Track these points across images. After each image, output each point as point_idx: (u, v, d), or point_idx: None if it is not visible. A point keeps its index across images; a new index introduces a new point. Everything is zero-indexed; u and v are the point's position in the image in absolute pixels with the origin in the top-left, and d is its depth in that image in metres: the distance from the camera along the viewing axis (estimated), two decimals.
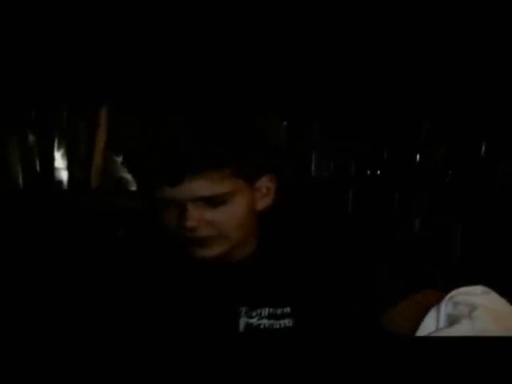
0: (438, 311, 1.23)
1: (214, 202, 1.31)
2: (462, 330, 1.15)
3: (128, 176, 2.47)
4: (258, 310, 1.34)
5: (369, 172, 2.53)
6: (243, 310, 1.35)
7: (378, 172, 2.53)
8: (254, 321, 1.34)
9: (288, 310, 1.35)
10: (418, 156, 2.53)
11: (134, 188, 2.47)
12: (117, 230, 1.99)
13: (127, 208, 2.35)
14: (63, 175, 2.45)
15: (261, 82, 2.32)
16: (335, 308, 1.39)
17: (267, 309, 1.34)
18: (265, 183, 1.39)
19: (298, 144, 2.43)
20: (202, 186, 1.29)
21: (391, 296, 1.38)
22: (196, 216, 1.30)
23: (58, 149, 2.44)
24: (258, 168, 1.37)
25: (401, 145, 2.52)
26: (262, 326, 1.34)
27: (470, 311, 1.20)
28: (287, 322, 1.35)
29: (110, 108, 2.47)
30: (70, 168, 2.44)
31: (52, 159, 2.42)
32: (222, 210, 1.31)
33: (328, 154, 2.52)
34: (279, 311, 1.35)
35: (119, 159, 2.47)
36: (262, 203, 1.40)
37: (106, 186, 2.48)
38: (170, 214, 1.32)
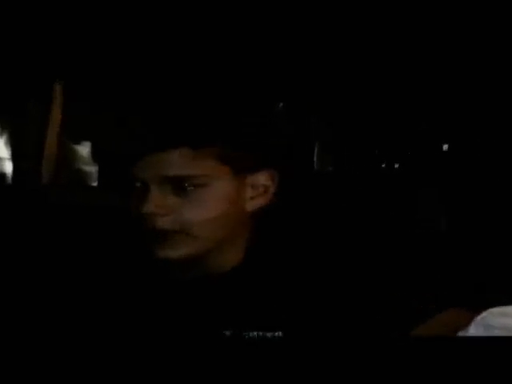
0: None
1: (182, 186, 1.25)
2: None
3: (88, 168, 2.50)
4: (245, 334, 1.32)
5: (384, 165, 2.56)
6: (226, 333, 1.32)
7: (396, 165, 2.56)
8: None
9: (280, 334, 1.32)
10: (444, 146, 2.56)
11: (94, 183, 2.49)
12: (76, 234, 2.07)
13: (86, 206, 2.31)
14: (7, 166, 2.46)
15: (264, 70, 2.40)
16: (340, 334, 1.34)
17: (255, 333, 1.32)
18: (262, 180, 1.34)
19: (298, 133, 2.50)
20: (169, 163, 1.24)
21: (411, 317, 1.33)
22: (156, 200, 1.25)
23: (1, 134, 2.46)
24: (252, 158, 1.32)
25: (424, 132, 2.57)
26: None
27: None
28: None
29: (65, 85, 2.48)
30: (15, 158, 2.45)
31: None
32: (193, 200, 1.26)
33: (333, 145, 2.56)
34: (269, 335, 1.32)
35: (78, 147, 2.50)
36: (255, 203, 1.34)
37: (61, 179, 2.48)
38: (134, 200, 1.27)
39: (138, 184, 1.26)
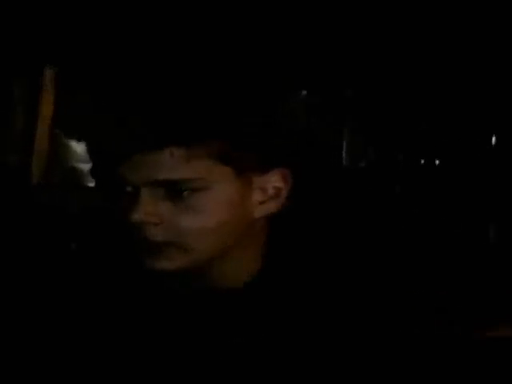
0: None
1: (176, 190, 1.19)
2: None
3: (82, 165, 2.39)
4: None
5: (423, 161, 2.48)
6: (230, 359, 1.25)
7: (437, 162, 2.49)
8: None
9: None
10: (493, 139, 2.49)
11: (90, 182, 2.33)
12: (68, 241, 2.09)
13: (82, 208, 2.23)
14: None
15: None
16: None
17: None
18: (272, 182, 1.26)
19: (324, 125, 2.52)
20: (159, 165, 1.18)
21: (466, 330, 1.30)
22: (147, 207, 1.19)
23: None
24: (257, 157, 1.25)
25: (470, 125, 2.51)
26: None
27: None
28: None
29: (58, 71, 2.41)
30: (1, 153, 2.37)
31: None
32: (189, 206, 1.20)
33: (367, 140, 2.53)
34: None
35: (71, 141, 2.40)
36: (265, 208, 1.27)
37: (53, 177, 2.41)
38: (124, 206, 1.21)
39: (129, 188, 1.19)
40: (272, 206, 1.27)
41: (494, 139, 2.52)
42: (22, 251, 2.22)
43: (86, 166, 2.38)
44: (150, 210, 1.19)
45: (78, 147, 2.40)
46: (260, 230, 1.29)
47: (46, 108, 2.37)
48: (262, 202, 1.27)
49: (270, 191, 1.26)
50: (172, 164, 1.18)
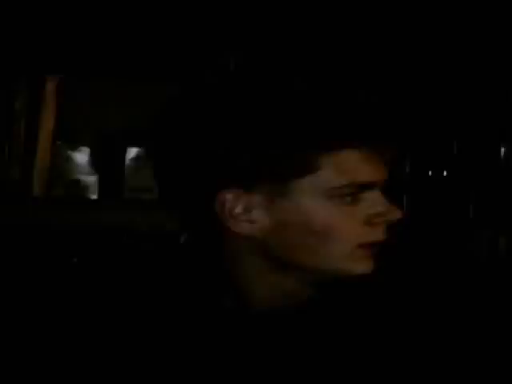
0: None
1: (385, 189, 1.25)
2: None
3: (85, 178, 2.34)
4: None
5: (431, 173, 2.46)
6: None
7: (445, 173, 2.47)
8: None
9: None
10: (502, 150, 2.47)
11: (94, 196, 2.32)
12: (70, 256, 2.18)
13: (85, 223, 2.28)
14: None
15: None
16: None
17: None
18: None
19: None
20: (388, 163, 1.24)
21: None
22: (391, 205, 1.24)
23: None
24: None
25: (477, 135, 2.49)
26: None
27: None
28: None
29: (60, 82, 2.34)
30: (1, 166, 2.33)
31: None
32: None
33: None
34: None
35: (74, 153, 2.35)
36: None
37: (55, 190, 2.35)
38: (351, 213, 1.21)
39: (349, 191, 1.20)
40: None
41: (503, 150, 2.48)
42: (24, 266, 2.20)
43: (88, 179, 2.34)
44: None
45: (81, 159, 2.35)
46: None
47: (48, 120, 2.32)
48: None
49: None
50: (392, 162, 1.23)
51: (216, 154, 1.16)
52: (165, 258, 1.36)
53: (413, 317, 1.27)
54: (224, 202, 1.17)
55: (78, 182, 2.34)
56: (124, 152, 2.33)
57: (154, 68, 2.37)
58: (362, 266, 1.21)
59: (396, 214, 1.21)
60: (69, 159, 2.34)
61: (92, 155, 2.35)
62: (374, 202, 1.19)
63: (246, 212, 1.18)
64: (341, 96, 1.22)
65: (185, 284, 1.31)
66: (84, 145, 2.35)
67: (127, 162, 2.32)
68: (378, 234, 1.20)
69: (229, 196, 1.17)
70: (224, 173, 1.17)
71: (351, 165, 1.17)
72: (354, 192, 1.18)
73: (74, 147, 2.34)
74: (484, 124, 2.49)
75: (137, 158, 2.32)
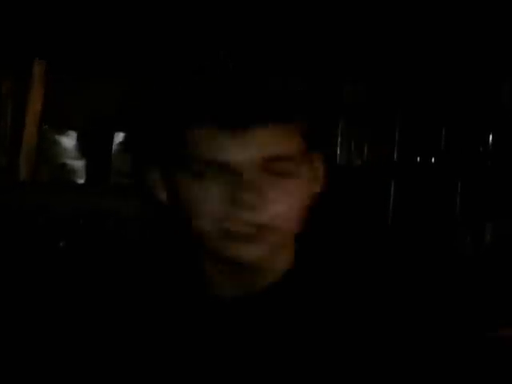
0: None
1: (272, 172, 1.20)
2: None
3: (72, 162, 2.34)
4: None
5: (419, 159, 2.45)
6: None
7: (433, 160, 2.46)
8: None
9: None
10: (490, 138, 2.47)
11: (81, 180, 2.32)
12: (57, 241, 2.15)
13: (72, 208, 2.26)
14: None
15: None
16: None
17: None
18: (316, 162, 1.29)
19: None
20: (265, 142, 1.20)
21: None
22: (253, 189, 1.18)
23: None
24: (318, 136, 1.28)
25: (466, 123, 2.48)
26: None
27: None
28: None
29: (47, 66, 2.34)
30: None
31: None
32: (281, 191, 1.21)
33: (362, 136, 2.47)
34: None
35: (61, 137, 2.35)
36: (313, 189, 1.28)
37: (41, 176, 2.34)
38: (210, 192, 1.20)
39: (211, 170, 1.19)
40: (316, 188, 1.30)
41: (491, 137, 2.49)
42: (11, 250, 2.20)
43: (76, 163, 2.33)
44: (256, 193, 1.18)
45: (68, 143, 2.34)
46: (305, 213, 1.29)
47: (35, 104, 2.31)
48: (312, 181, 1.29)
49: (318, 172, 1.30)
50: (274, 140, 1.20)
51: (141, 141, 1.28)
52: (148, 243, 1.37)
53: (376, 300, 1.27)
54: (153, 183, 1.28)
55: (64, 166, 2.34)
56: (111, 137, 2.33)
57: (142, 57, 2.37)
58: (231, 251, 1.19)
59: (240, 215, 1.18)
60: (56, 143, 2.34)
61: (79, 140, 2.34)
62: (228, 184, 1.19)
63: (166, 192, 1.26)
64: (211, 84, 1.26)
65: (167, 268, 1.33)
66: (71, 129, 2.34)
67: (114, 146, 2.33)
68: (237, 220, 1.19)
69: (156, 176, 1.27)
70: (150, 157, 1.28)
71: (202, 141, 1.19)
72: (202, 169, 1.19)
73: (61, 131, 2.34)
74: (473, 112, 2.49)
75: (124, 143, 2.32)
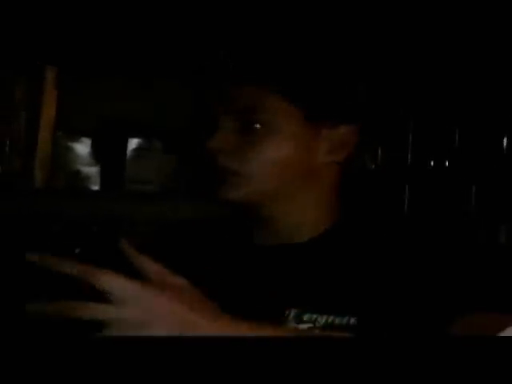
0: None
1: (250, 123, 1.33)
2: None
3: (86, 169, 2.34)
4: (313, 316, 1.31)
5: (433, 162, 2.46)
6: (291, 312, 1.31)
7: (447, 163, 2.46)
8: (303, 329, 1.31)
9: (354, 321, 1.30)
10: (504, 141, 2.46)
11: (96, 186, 2.33)
12: (72, 247, 2.18)
13: (87, 214, 2.27)
14: None
15: None
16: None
17: (325, 316, 1.30)
18: (341, 135, 1.37)
19: None
20: (241, 96, 1.33)
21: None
22: (223, 136, 1.34)
23: None
24: (330, 111, 1.35)
25: (480, 125, 2.48)
26: None
27: None
28: None
29: (60, 71, 2.34)
30: (1, 158, 2.31)
31: None
32: (258, 139, 1.33)
33: (374, 139, 2.32)
34: (340, 321, 1.30)
35: (76, 144, 2.35)
36: (330, 156, 1.37)
37: (56, 183, 2.35)
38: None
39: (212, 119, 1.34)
40: (337, 156, 1.35)
41: (505, 140, 2.48)
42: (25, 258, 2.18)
43: (90, 170, 2.33)
44: (225, 139, 1.32)
45: (82, 150, 2.34)
46: (325, 177, 1.36)
47: (49, 110, 2.31)
48: (328, 152, 1.35)
49: (337, 143, 1.34)
50: (252, 94, 1.32)
51: None
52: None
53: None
54: None
55: (79, 172, 2.34)
56: (126, 143, 2.33)
57: (153, 62, 2.38)
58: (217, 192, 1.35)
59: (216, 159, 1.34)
60: (70, 150, 2.34)
61: (93, 146, 2.35)
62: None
63: None
64: None
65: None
66: (85, 135, 2.35)
67: (128, 152, 2.32)
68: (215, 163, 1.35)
69: None
70: None
71: None
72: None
73: (75, 138, 2.34)
74: (487, 114, 2.48)
75: (138, 149, 2.32)
